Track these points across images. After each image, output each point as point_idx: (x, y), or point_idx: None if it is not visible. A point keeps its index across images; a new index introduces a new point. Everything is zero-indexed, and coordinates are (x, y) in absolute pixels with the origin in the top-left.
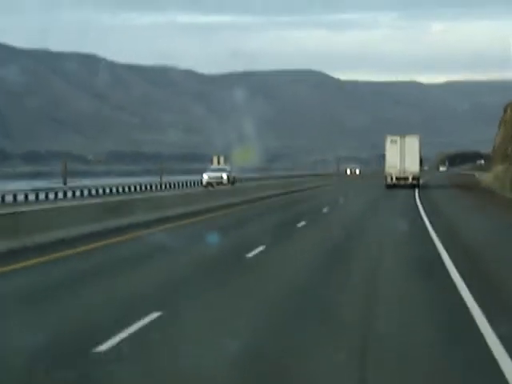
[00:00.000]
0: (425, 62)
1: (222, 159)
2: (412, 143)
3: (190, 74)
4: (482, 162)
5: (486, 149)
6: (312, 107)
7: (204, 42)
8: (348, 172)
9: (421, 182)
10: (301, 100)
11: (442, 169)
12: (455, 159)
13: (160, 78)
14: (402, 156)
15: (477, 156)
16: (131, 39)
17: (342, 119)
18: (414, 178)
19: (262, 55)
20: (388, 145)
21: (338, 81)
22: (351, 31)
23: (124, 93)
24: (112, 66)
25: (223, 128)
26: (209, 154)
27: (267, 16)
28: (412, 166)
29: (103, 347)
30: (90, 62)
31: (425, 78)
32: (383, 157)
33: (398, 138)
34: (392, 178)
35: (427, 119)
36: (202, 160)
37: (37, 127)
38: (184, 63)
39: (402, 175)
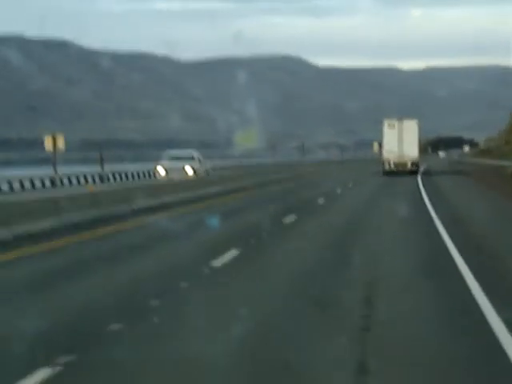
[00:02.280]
0: (404, 48)
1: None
2: (410, 127)
3: (167, 61)
4: (467, 148)
5: (467, 134)
6: (290, 93)
7: (181, 29)
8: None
9: (421, 168)
10: (279, 86)
11: (441, 155)
12: (438, 145)
13: (136, 64)
14: (400, 141)
15: (460, 142)
16: (109, 26)
17: (321, 105)
18: (413, 164)
19: (240, 41)
20: (385, 129)
21: (315, 67)
22: (329, 17)
23: (99, 79)
24: (87, 53)
25: (201, 114)
26: (187, 140)
27: (246, 2)
28: (411, 152)
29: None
30: (64, 48)
31: (404, 64)
32: (360, 143)
33: (395, 122)
34: (390, 164)
35: (407, 105)
36: (178, 146)
37: (9, 114)
38: (161, 50)
39: (400, 161)
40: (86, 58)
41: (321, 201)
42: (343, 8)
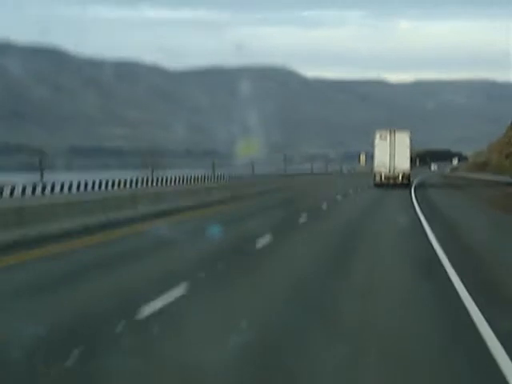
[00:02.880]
0: (392, 61)
1: None
2: (402, 139)
3: (155, 70)
4: (457, 161)
5: (455, 148)
6: (277, 104)
7: (170, 38)
8: None
9: (414, 182)
10: (265, 97)
11: (433, 167)
12: (425, 158)
13: (124, 72)
14: (392, 153)
15: (448, 155)
16: (98, 33)
17: (308, 117)
18: (404, 177)
19: (228, 52)
20: (377, 141)
21: (303, 78)
22: (319, 29)
23: (87, 86)
24: (76, 60)
25: (186, 123)
26: (174, 148)
27: (236, 12)
28: (402, 164)
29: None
30: (52, 55)
31: (392, 77)
32: (348, 155)
33: (387, 133)
34: (381, 177)
35: (394, 117)
36: (165, 155)
37: None
38: (150, 58)
39: (391, 173)
40: (76, 66)
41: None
42: (333, 20)
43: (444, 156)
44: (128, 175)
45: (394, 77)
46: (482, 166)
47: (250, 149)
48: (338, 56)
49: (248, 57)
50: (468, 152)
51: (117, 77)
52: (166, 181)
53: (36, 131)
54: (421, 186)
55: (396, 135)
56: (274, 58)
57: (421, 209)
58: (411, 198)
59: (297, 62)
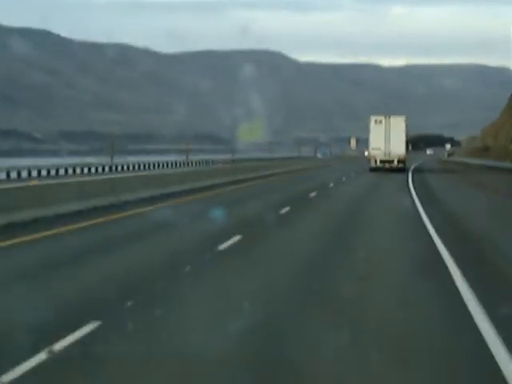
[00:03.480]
0: (384, 45)
1: None
2: (398, 124)
3: (146, 53)
4: (449, 146)
5: (447, 133)
6: (269, 88)
7: (161, 21)
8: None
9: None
10: (258, 81)
11: (429, 152)
12: (418, 142)
13: (116, 55)
14: (387, 137)
15: (441, 140)
16: (89, 17)
17: (300, 101)
18: (399, 161)
19: (221, 35)
20: (372, 125)
21: (296, 62)
22: (311, 13)
23: (78, 70)
24: (67, 43)
25: (179, 107)
26: (165, 133)
27: None
28: (397, 149)
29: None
30: (43, 37)
31: (384, 61)
32: (339, 140)
33: (382, 118)
34: (376, 161)
35: (386, 101)
36: (156, 141)
37: None
38: (141, 42)
39: (386, 158)
40: (65, 48)
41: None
42: (325, 4)
43: (436, 141)
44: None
45: (386, 61)
46: (482, 151)
47: (252, 133)
48: (331, 41)
49: (240, 41)
50: (461, 137)
51: (107, 60)
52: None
53: (28, 115)
54: (419, 173)
55: (391, 120)
56: (266, 43)
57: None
58: (410, 191)
59: (289, 46)
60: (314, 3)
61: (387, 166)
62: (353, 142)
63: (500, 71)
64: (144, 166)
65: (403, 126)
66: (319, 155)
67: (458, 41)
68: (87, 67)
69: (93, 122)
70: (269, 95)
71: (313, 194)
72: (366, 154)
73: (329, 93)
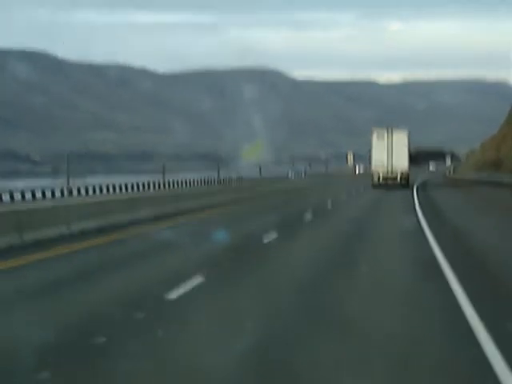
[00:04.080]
0: (382, 61)
1: None
2: (400, 138)
3: (144, 73)
4: (449, 161)
5: (446, 147)
6: (268, 107)
7: (158, 41)
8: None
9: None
10: (256, 99)
11: (432, 168)
12: (417, 157)
13: (114, 76)
14: (390, 152)
15: (440, 154)
16: (86, 38)
17: (298, 118)
18: (402, 178)
19: (218, 54)
20: (374, 140)
21: (293, 80)
22: (309, 31)
23: (76, 91)
24: (64, 65)
25: (177, 127)
26: (165, 153)
27: (224, 14)
28: (400, 164)
29: None
30: (40, 59)
31: (382, 77)
32: (339, 156)
33: (385, 132)
34: (379, 178)
35: (384, 118)
36: (153, 160)
37: None
38: (139, 62)
39: (389, 174)
40: (60, 69)
41: None
42: (322, 22)
43: (436, 155)
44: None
45: (384, 77)
46: (492, 165)
47: (254, 153)
48: (327, 57)
49: (237, 60)
50: (461, 151)
51: (105, 81)
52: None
53: (26, 137)
54: (425, 194)
55: (394, 134)
56: (264, 61)
57: None
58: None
59: (286, 64)
60: (312, 21)
61: (390, 182)
62: (350, 158)
63: (498, 85)
64: (105, 188)
65: (406, 140)
66: (290, 175)
67: (455, 56)
68: (85, 88)
69: (90, 142)
70: (268, 113)
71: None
72: (361, 171)
73: (326, 109)
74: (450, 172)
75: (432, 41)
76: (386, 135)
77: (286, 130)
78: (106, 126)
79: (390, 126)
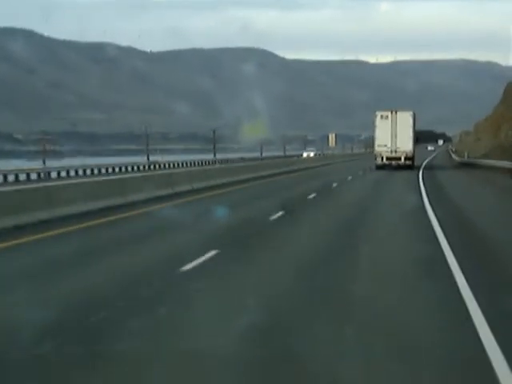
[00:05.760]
0: (372, 42)
1: None
2: (405, 119)
3: (130, 51)
4: (442, 142)
5: (437, 128)
6: (256, 85)
7: (148, 21)
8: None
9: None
10: (243, 77)
11: (430, 148)
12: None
13: (99, 55)
14: (394, 133)
15: (432, 135)
16: (73, 16)
17: (287, 98)
18: (406, 158)
19: (208, 34)
20: (378, 121)
21: (282, 59)
22: (298, 11)
23: (61, 69)
24: (48, 42)
25: (166, 106)
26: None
27: None
28: (405, 145)
29: None
30: (25, 37)
31: (372, 57)
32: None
33: (388, 114)
34: (382, 158)
35: (374, 98)
36: (138, 141)
37: None
38: (125, 41)
39: (393, 155)
40: (49, 48)
41: None
42: (311, 2)
43: (428, 137)
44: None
45: (374, 58)
46: (504, 149)
47: (255, 131)
48: (317, 38)
49: (226, 39)
50: (452, 132)
51: (90, 59)
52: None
53: (7, 115)
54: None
55: (398, 115)
56: (253, 41)
57: None
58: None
59: (276, 44)
60: (301, 1)
61: (394, 163)
62: (332, 139)
63: (488, 66)
64: (83, 171)
65: (410, 121)
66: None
67: (445, 37)
68: (69, 66)
69: (76, 121)
70: (258, 93)
71: None
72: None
73: (316, 90)
74: (452, 151)
75: (422, 22)
76: (389, 116)
77: (275, 109)
78: (92, 106)
79: (380, 106)
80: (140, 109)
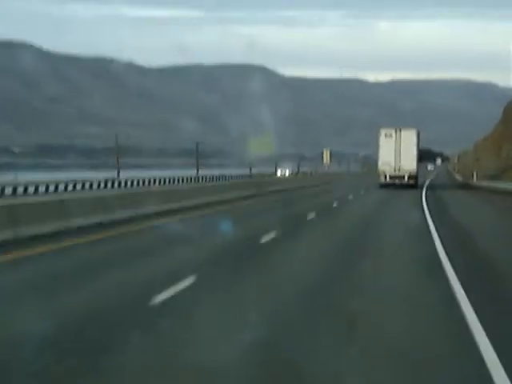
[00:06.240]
0: (370, 60)
1: None
2: (409, 137)
3: (131, 67)
4: (440, 161)
5: (435, 147)
6: (253, 102)
7: (149, 36)
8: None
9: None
10: (242, 94)
11: (430, 167)
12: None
13: (100, 70)
14: (398, 152)
15: (430, 154)
16: (74, 31)
17: (285, 115)
18: (410, 177)
19: (208, 50)
20: (382, 139)
21: (281, 76)
22: (298, 29)
23: (60, 84)
24: (48, 56)
25: (164, 122)
26: (147, 148)
27: (212, 11)
28: (409, 164)
29: None
30: (24, 50)
31: (370, 76)
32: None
33: (393, 132)
34: (386, 177)
35: (372, 116)
36: (136, 155)
37: None
38: (126, 56)
39: (397, 173)
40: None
41: None
42: (311, 20)
43: (426, 156)
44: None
45: (373, 76)
46: None
47: (263, 146)
48: (316, 56)
49: (225, 56)
50: (450, 151)
51: (91, 74)
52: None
53: (7, 129)
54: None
55: (402, 133)
56: (252, 57)
57: None
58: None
59: (274, 61)
60: (301, 18)
61: (397, 182)
62: (326, 155)
63: (486, 87)
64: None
65: (415, 139)
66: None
67: (444, 57)
68: (70, 80)
69: (74, 136)
70: (255, 110)
71: None
72: (285, 174)
73: (314, 107)
74: (455, 171)
75: (420, 42)
76: (393, 134)
77: (273, 126)
78: (90, 120)
79: (378, 124)
80: (139, 124)
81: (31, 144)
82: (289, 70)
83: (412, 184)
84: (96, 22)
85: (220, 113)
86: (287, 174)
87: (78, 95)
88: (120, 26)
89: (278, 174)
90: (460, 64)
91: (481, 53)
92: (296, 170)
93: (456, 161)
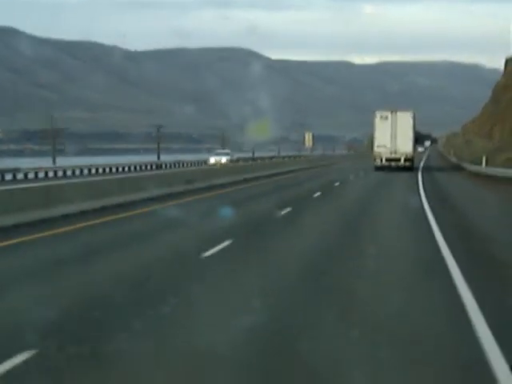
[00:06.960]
0: (357, 43)
1: None
2: (405, 120)
3: (115, 50)
4: (429, 143)
5: (423, 130)
6: (240, 85)
7: (133, 20)
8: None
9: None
10: (230, 78)
11: (420, 149)
12: None
13: (84, 53)
14: (393, 134)
15: (419, 137)
16: (56, 15)
17: (272, 97)
18: (406, 160)
19: (194, 34)
20: (377, 121)
21: (267, 59)
22: (284, 12)
23: (45, 69)
24: (33, 41)
25: (151, 106)
26: (133, 133)
27: None
28: (404, 146)
29: None
30: (8, 35)
31: (357, 59)
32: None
33: (388, 114)
34: (382, 160)
35: (359, 99)
36: (123, 139)
37: None
38: (111, 39)
39: (392, 156)
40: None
41: None
42: (297, 3)
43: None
44: None
45: (359, 59)
46: None
47: (261, 130)
48: (303, 39)
49: (212, 39)
50: (437, 134)
51: (75, 58)
52: None
53: None
54: None
55: (398, 115)
56: (238, 41)
57: None
58: None
59: (261, 44)
60: (288, 2)
61: (393, 164)
62: (308, 138)
63: (472, 68)
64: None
65: (411, 121)
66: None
67: (430, 39)
68: (55, 65)
69: (59, 120)
70: (242, 92)
71: None
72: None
73: (300, 90)
74: (450, 154)
75: (407, 24)
76: (389, 116)
77: (260, 109)
78: (75, 104)
79: (366, 107)
80: (125, 108)
81: (15, 129)
82: (276, 53)
83: (408, 166)
84: (86, 7)
85: (210, 97)
86: (224, 161)
87: (62, 79)
88: (104, 10)
89: (212, 161)
90: (447, 46)
91: (467, 35)
92: (234, 156)
93: (444, 142)
